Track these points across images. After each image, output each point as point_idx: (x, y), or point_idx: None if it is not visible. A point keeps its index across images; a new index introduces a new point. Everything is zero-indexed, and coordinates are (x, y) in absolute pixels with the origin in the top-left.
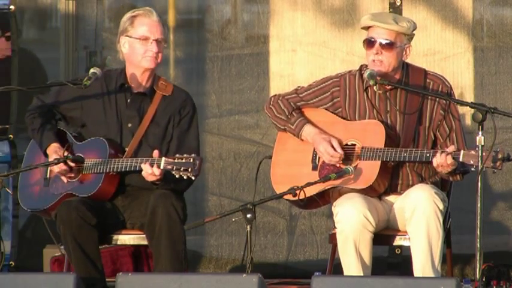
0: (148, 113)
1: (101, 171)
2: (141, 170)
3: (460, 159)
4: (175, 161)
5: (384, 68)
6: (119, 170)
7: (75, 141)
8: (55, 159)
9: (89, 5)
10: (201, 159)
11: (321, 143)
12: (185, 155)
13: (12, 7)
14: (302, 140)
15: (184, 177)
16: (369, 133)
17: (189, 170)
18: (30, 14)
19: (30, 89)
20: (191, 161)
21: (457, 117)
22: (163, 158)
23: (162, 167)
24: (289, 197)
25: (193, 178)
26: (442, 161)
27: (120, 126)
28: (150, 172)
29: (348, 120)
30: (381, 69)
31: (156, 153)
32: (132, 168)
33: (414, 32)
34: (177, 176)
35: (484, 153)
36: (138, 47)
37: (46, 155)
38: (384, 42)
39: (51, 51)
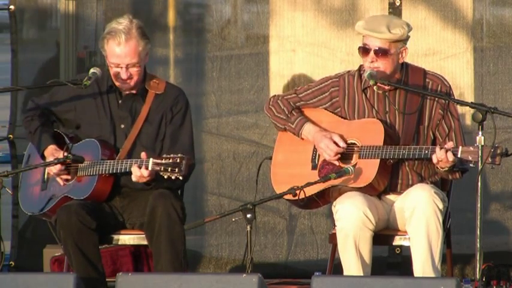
0: (141, 113)
1: (94, 173)
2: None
3: (459, 155)
4: (163, 161)
5: (380, 73)
6: (111, 171)
7: (70, 143)
8: (55, 158)
9: (89, 5)
10: (188, 158)
11: (322, 140)
12: (172, 155)
13: (12, 7)
14: (302, 138)
15: (172, 177)
16: (368, 132)
17: (176, 170)
18: (30, 14)
19: (30, 89)
20: (178, 161)
21: (456, 117)
22: (151, 159)
23: (150, 168)
24: (289, 197)
25: (180, 178)
26: (442, 156)
27: (113, 127)
28: (138, 174)
29: (347, 119)
30: (378, 74)
31: (143, 154)
32: (123, 170)
33: (410, 33)
34: (165, 177)
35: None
36: (113, 69)
37: (44, 158)
38: (377, 50)
39: (51, 51)
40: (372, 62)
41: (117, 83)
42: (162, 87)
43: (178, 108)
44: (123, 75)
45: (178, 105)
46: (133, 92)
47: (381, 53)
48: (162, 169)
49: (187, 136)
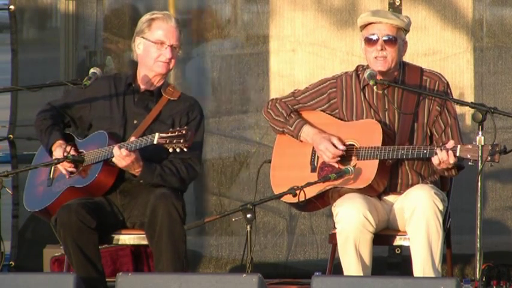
0: (152, 111)
1: (100, 159)
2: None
3: (458, 154)
4: (168, 134)
5: (387, 64)
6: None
7: (78, 140)
8: (55, 159)
9: (89, 5)
10: (192, 130)
11: (322, 142)
12: (177, 128)
13: (12, 7)
14: (301, 141)
15: (177, 150)
16: (366, 132)
17: (181, 140)
18: (30, 14)
19: (30, 89)
20: (183, 132)
21: (452, 113)
22: (156, 134)
23: (155, 142)
24: (289, 198)
25: (184, 149)
26: (444, 157)
27: (124, 122)
28: (118, 154)
29: (345, 121)
30: (384, 65)
31: (132, 139)
32: (129, 149)
33: (409, 28)
34: (170, 150)
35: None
36: (153, 50)
37: (51, 154)
38: (387, 37)
39: (51, 51)
40: (382, 50)
41: (154, 67)
42: (176, 95)
43: (194, 115)
44: (168, 54)
45: (195, 112)
46: (150, 89)
47: (390, 40)
48: (167, 141)
49: (197, 144)
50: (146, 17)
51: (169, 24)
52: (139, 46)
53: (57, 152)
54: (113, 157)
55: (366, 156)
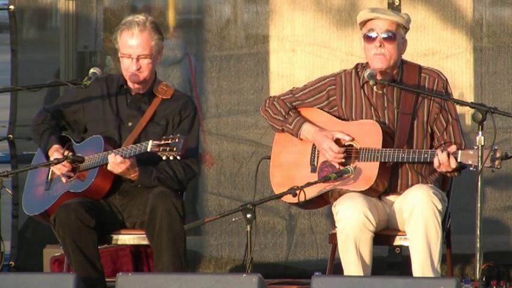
0: (147, 113)
1: (96, 165)
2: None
3: (458, 159)
4: (161, 142)
5: (386, 61)
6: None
7: (74, 143)
8: (55, 159)
9: (88, 5)
10: (186, 139)
11: (324, 140)
12: (171, 136)
13: (12, 7)
14: (301, 139)
15: (171, 158)
16: (366, 134)
17: (174, 149)
18: (30, 14)
19: (30, 89)
20: (176, 140)
21: (453, 111)
22: (150, 141)
23: (149, 150)
24: (289, 198)
25: (178, 158)
26: (444, 159)
27: (118, 124)
28: (113, 161)
29: (344, 119)
30: (383, 62)
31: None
32: (123, 156)
33: (409, 26)
34: (163, 158)
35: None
36: (124, 61)
37: (48, 158)
38: (385, 34)
39: (51, 51)
40: (380, 46)
41: (127, 77)
42: (169, 93)
43: (187, 113)
44: (134, 66)
45: (188, 110)
46: (141, 92)
47: (389, 37)
48: (160, 149)
49: (193, 141)
50: (119, 25)
51: (133, 36)
52: (118, 54)
53: (54, 156)
54: (107, 164)
55: (366, 158)
